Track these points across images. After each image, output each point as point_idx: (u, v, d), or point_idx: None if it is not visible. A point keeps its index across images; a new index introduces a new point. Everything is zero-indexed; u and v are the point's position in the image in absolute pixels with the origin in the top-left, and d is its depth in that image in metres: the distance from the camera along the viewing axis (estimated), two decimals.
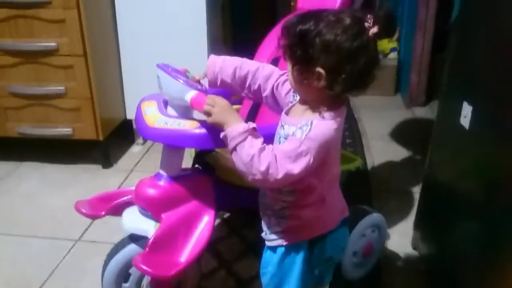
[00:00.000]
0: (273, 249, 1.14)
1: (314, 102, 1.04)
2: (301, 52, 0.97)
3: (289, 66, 1.03)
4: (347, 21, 0.96)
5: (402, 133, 2.80)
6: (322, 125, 1.00)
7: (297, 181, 1.01)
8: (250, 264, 1.65)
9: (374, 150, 2.56)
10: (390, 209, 2.01)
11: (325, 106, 1.02)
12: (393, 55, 3.34)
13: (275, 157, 0.97)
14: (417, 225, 1.78)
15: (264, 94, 1.18)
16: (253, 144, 0.98)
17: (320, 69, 0.97)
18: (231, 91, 1.21)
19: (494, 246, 1.20)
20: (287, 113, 1.10)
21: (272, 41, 1.69)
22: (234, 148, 1.00)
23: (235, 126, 1.02)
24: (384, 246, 1.75)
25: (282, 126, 1.07)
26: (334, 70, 0.96)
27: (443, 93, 1.60)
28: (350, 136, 2.70)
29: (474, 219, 1.32)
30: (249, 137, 0.99)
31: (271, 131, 1.11)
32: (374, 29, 0.96)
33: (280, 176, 0.97)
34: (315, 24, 0.96)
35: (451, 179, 1.52)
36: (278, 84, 1.16)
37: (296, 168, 0.97)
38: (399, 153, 2.55)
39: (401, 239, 1.83)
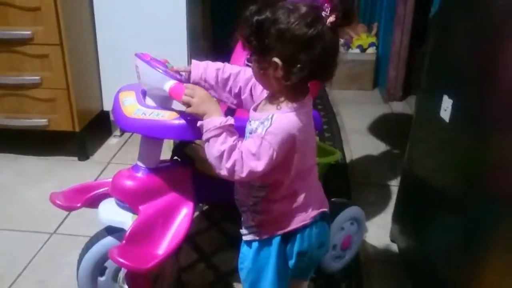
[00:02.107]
0: (249, 244, 1.15)
1: (277, 95, 1.04)
2: (256, 42, 0.97)
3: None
4: (303, 9, 0.96)
5: (380, 128, 2.82)
6: (283, 118, 1.00)
7: (263, 176, 1.01)
8: (229, 257, 1.64)
9: (353, 144, 2.58)
10: (368, 202, 2.03)
11: (287, 98, 1.02)
12: (372, 50, 3.36)
13: (241, 155, 0.99)
14: (395, 218, 1.79)
15: (243, 96, 1.18)
16: (226, 141, 1.00)
17: (276, 59, 0.97)
18: (213, 93, 1.20)
19: (472, 239, 1.21)
20: (255, 109, 1.10)
21: None
22: (208, 140, 1.02)
23: (212, 119, 1.02)
24: (363, 239, 1.76)
25: (250, 121, 1.08)
26: (289, 59, 0.96)
27: (423, 87, 1.61)
28: (329, 130, 2.71)
29: (452, 212, 1.33)
30: (224, 134, 1.01)
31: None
32: (331, 18, 0.96)
33: (244, 174, 0.99)
34: (271, 13, 0.96)
35: (430, 173, 1.53)
36: (255, 84, 1.15)
37: (260, 165, 0.98)
38: (377, 147, 2.57)
39: (380, 231, 1.85)
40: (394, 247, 1.77)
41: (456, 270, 1.29)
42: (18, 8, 1.99)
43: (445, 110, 1.35)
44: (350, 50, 3.36)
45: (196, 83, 1.17)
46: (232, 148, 0.99)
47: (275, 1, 0.98)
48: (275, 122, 0.99)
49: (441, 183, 1.43)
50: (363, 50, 3.35)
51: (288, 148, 1.01)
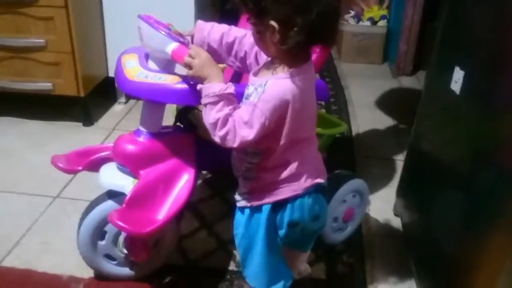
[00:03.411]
0: (241, 210, 1.15)
1: (275, 60, 1.02)
2: (253, 5, 0.95)
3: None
4: None
5: (388, 102, 2.79)
6: (277, 84, 0.98)
7: (255, 142, 1.01)
8: (231, 225, 1.64)
9: (360, 118, 2.55)
10: (373, 176, 2.01)
11: (285, 63, 1.00)
12: (383, 23, 3.30)
13: (234, 124, 0.98)
14: (400, 192, 1.78)
15: (248, 61, 1.16)
16: (222, 110, 1.00)
17: (272, 22, 0.94)
18: (217, 57, 1.16)
19: (477, 215, 1.19)
20: (255, 74, 1.08)
21: None
22: (205, 105, 1.02)
23: (212, 84, 1.01)
24: (366, 212, 1.75)
25: (248, 86, 1.06)
26: (286, 22, 0.93)
27: (434, 60, 1.58)
28: (336, 103, 2.68)
29: (458, 187, 1.31)
30: (221, 102, 1.00)
31: None
32: None
33: (236, 143, 1.00)
34: None
35: (437, 147, 1.51)
36: None
37: (252, 133, 0.98)
38: (384, 121, 2.54)
39: (384, 205, 1.84)
40: (398, 222, 1.76)
41: (459, 245, 1.28)
42: None
43: (456, 82, 1.32)
44: (360, 23, 3.30)
45: (199, 46, 1.14)
46: (227, 117, 0.99)
47: None
48: (268, 88, 0.98)
49: (448, 158, 1.40)
50: (374, 22, 3.29)
51: (281, 115, 0.99)
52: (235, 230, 1.17)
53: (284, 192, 1.09)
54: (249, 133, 0.98)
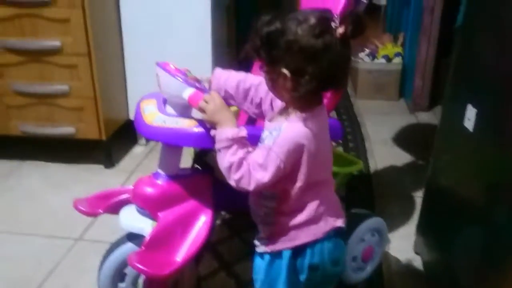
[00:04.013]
0: (261, 255, 1.15)
1: (288, 105, 1.05)
2: (266, 53, 0.98)
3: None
4: (312, 21, 0.96)
5: (406, 138, 2.79)
6: (291, 128, 1.01)
7: (271, 186, 1.02)
8: (250, 266, 1.63)
9: (377, 154, 2.55)
10: (392, 213, 2.00)
11: (297, 108, 1.03)
12: (398, 60, 3.33)
13: (249, 167, 1.00)
14: (420, 229, 1.76)
15: (263, 107, 1.19)
16: (236, 153, 1.02)
17: (284, 70, 0.97)
18: (234, 103, 1.21)
19: (497, 252, 1.18)
20: (270, 120, 1.11)
21: None
22: (219, 150, 1.04)
23: (225, 129, 1.04)
24: (386, 250, 1.73)
25: (264, 131, 1.08)
26: (297, 71, 0.96)
27: (447, 96, 1.59)
28: (353, 140, 2.69)
29: (476, 223, 1.31)
30: (235, 146, 1.02)
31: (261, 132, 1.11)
32: (341, 29, 0.96)
33: (251, 186, 1.01)
34: (280, 24, 0.96)
35: (454, 183, 1.50)
36: None
37: (266, 176, 1.00)
38: (402, 157, 2.53)
39: (403, 243, 1.81)
40: (418, 260, 1.73)
41: (480, 283, 1.26)
42: (49, 19, 2.05)
43: (469, 119, 1.33)
44: (375, 60, 3.34)
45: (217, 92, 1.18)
46: (241, 161, 1.01)
47: (286, 12, 0.99)
48: (283, 132, 1.00)
49: (465, 194, 1.40)
50: (389, 60, 3.33)
51: (296, 158, 1.01)
52: (254, 275, 1.17)
53: (304, 237, 1.09)
54: (264, 176, 1.00)
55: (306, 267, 1.11)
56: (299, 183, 1.04)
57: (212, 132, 1.06)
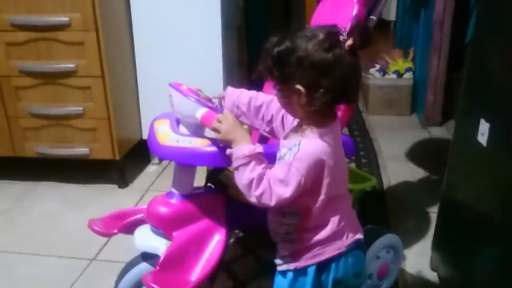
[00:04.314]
0: (283, 274, 1.14)
1: (304, 121, 1.06)
2: (278, 72, 1.00)
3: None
4: (320, 36, 0.97)
5: (419, 153, 2.77)
6: (310, 144, 1.01)
7: (292, 202, 1.02)
8: (265, 284, 1.61)
9: (390, 170, 2.54)
10: (407, 229, 1.98)
11: (313, 125, 1.04)
12: (409, 75, 3.33)
13: (269, 182, 1.00)
14: (435, 246, 1.74)
15: (274, 124, 1.20)
16: (254, 169, 1.02)
17: (298, 86, 0.98)
18: (246, 120, 1.23)
19: None
20: (285, 138, 1.11)
21: None
22: (237, 168, 1.04)
23: (241, 147, 1.04)
24: (401, 267, 1.71)
25: (279, 150, 1.09)
26: (311, 85, 0.98)
27: (460, 111, 1.59)
28: (366, 156, 2.68)
29: (494, 238, 1.29)
30: (252, 162, 1.02)
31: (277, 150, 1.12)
32: (349, 41, 0.98)
33: (273, 202, 1.01)
34: (290, 42, 0.98)
35: (469, 199, 1.49)
36: (286, 112, 1.17)
37: (288, 191, 1.00)
38: (415, 173, 2.52)
39: (420, 260, 1.79)
40: (435, 276, 1.71)
41: None
42: (63, 43, 2.09)
43: (483, 134, 1.32)
44: (386, 76, 3.34)
45: (229, 110, 1.20)
46: (261, 177, 1.01)
47: (295, 31, 1.00)
48: (303, 147, 1.00)
49: (480, 210, 1.38)
50: (399, 75, 3.33)
51: (317, 173, 1.01)
52: None
53: (328, 252, 1.10)
54: (285, 191, 1.00)
55: (330, 282, 1.10)
56: (320, 198, 1.05)
57: (228, 151, 1.06)
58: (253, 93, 1.22)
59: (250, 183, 1.01)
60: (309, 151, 1.00)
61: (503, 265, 1.22)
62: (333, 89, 0.97)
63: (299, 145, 1.01)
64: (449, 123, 3.10)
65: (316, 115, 1.02)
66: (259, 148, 1.05)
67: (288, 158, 1.01)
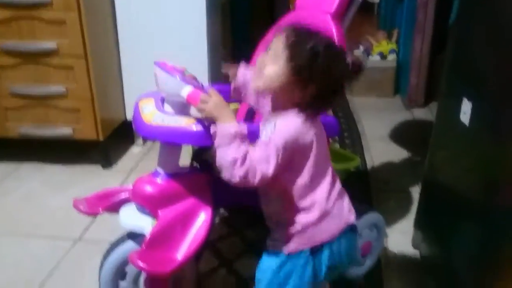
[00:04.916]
0: (273, 255, 1.14)
1: (286, 103, 1.08)
2: (306, 70, 1.02)
3: (277, 70, 1.04)
4: (348, 59, 1.06)
5: (402, 134, 2.81)
6: (286, 120, 1.05)
7: (274, 182, 1.04)
8: (250, 263, 1.63)
9: (374, 151, 2.57)
10: (390, 208, 2.01)
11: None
12: (392, 57, 3.35)
13: (252, 162, 1.01)
14: (418, 224, 1.78)
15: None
16: (239, 149, 1.01)
17: (312, 86, 1.03)
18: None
19: (494, 246, 1.20)
20: (264, 122, 1.15)
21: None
22: (219, 146, 1.04)
23: (226, 125, 1.04)
24: (384, 245, 1.74)
25: (261, 126, 1.13)
26: (322, 89, 1.04)
27: (443, 92, 1.61)
28: (349, 137, 2.71)
29: (474, 218, 1.32)
30: (237, 141, 1.02)
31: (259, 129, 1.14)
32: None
33: (257, 180, 1.01)
34: (327, 50, 1.03)
35: (451, 178, 1.51)
36: None
37: (270, 167, 1.01)
38: (398, 154, 2.55)
39: (402, 238, 1.83)
40: (416, 254, 1.75)
41: (478, 276, 1.27)
42: (45, 21, 2.06)
43: (465, 113, 1.34)
44: (370, 57, 3.35)
45: (238, 87, 1.29)
46: (245, 156, 1.01)
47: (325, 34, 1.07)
48: (278, 125, 1.04)
49: (462, 189, 1.41)
50: (383, 57, 3.34)
51: (294, 149, 1.03)
52: (259, 274, 1.16)
53: (321, 234, 1.11)
54: (267, 168, 1.01)
55: (325, 266, 1.12)
56: (300, 176, 1.07)
57: (213, 128, 1.06)
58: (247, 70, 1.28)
59: (234, 162, 1.00)
60: (284, 128, 1.03)
61: (483, 243, 1.25)
62: (333, 99, 1.08)
63: (275, 124, 1.04)
64: (432, 105, 3.14)
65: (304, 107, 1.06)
66: (244, 128, 1.05)
67: (266, 134, 1.05)
